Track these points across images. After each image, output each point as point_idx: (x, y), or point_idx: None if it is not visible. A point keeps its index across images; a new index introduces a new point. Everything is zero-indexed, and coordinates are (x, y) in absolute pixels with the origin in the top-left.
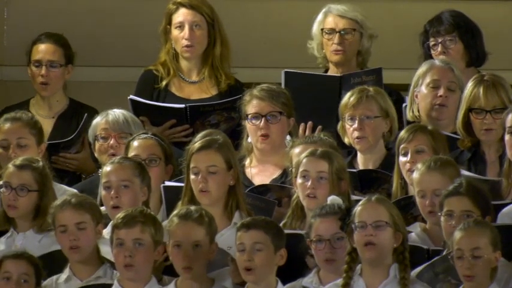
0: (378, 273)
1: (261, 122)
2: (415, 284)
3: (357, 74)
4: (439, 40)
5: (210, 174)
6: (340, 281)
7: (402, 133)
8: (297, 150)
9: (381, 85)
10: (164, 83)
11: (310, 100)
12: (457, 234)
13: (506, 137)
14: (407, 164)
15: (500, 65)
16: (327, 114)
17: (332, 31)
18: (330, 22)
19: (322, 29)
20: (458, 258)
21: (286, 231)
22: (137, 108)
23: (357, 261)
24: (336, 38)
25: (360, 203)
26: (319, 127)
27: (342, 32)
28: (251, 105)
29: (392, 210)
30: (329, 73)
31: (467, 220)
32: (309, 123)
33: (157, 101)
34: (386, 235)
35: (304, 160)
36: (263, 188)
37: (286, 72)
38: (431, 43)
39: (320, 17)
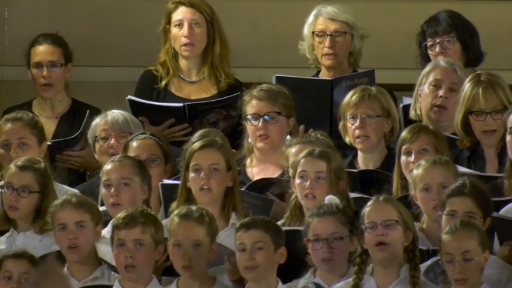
0: (389, 273)
1: (259, 122)
2: (425, 287)
3: (349, 77)
4: (437, 41)
5: (212, 172)
6: (350, 280)
7: (404, 133)
8: (293, 150)
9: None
10: (164, 83)
11: (302, 103)
12: (446, 238)
13: (508, 137)
14: (411, 164)
15: (497, 65)
16: (319, 117)
17: (323, 34)
18: (321, 25)
19: (313, 32)
20: (448, 262)
21: (285, 227)
22: (135, 108)
23: (367, 262)
24: (327, 41)
25: (368, 204)
26: (310, 130)
27: (333, 34)
28: (250, 105)
29: (400, 208)
30: (321, 74)
31: (453, 222)
32: (301, 126)
33: (157, 101)
34: (397, 234)
35: (302, 160)
36: (266, 182)
37: (277, 78)
38: (429, 43)
39: (310, 19)
